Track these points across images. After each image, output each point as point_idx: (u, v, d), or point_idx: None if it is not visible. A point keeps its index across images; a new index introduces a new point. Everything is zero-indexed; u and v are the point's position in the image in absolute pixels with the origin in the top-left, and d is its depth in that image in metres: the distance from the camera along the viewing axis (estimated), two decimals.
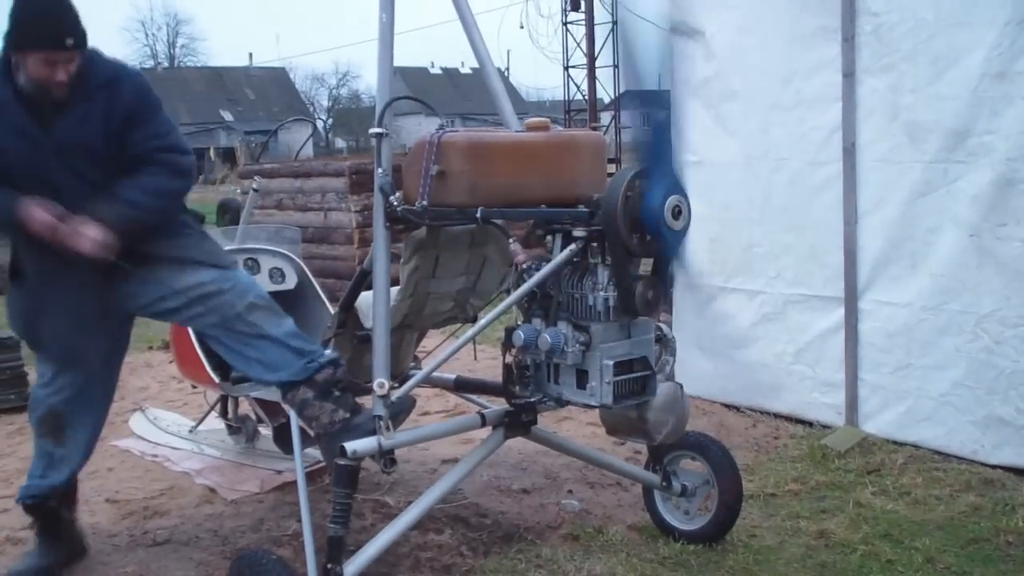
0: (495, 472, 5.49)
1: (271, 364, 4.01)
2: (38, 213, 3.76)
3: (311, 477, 4.60)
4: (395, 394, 3.85)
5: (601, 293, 3.57)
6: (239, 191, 19.64)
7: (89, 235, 3.76)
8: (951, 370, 5.48)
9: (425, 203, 3.72)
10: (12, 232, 3.97)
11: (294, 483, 5.12)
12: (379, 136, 3.90)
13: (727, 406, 6.70)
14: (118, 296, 4.13)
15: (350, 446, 3.66)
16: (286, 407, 4.22)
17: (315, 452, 4.90)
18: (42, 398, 4.26)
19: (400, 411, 3.89)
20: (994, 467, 5.29)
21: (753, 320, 6.50)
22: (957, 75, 5.30)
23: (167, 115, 4.15)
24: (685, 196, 3.44)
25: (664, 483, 4.58)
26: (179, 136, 4.19)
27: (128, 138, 3.96)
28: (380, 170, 3.90)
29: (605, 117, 24.45)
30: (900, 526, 4.68)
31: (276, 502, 5.26)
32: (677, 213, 3.36)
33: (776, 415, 6.42)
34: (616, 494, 5.24)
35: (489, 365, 6.67)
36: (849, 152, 5.82)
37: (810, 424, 6.19)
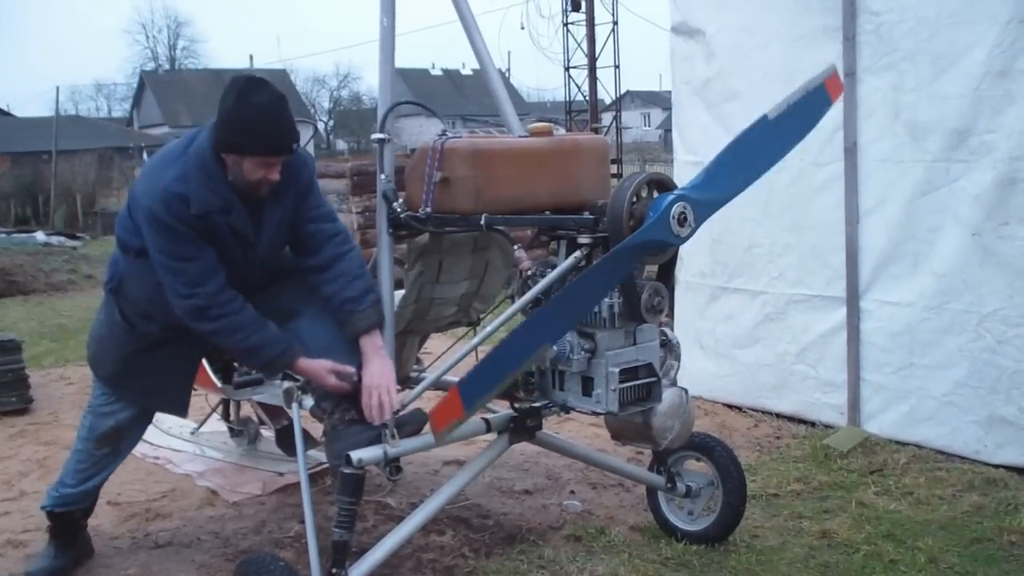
0: (497, 473, 5.49)
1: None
2: (331, 380, 3.82)
3: (312, 479, 4.59)
4: (401, 400, 3.85)
5: (606, 300, 3.56)
6: None
7: (389, 394, 3.80)
8: (953, 370, 5.48)
9: (429, 210, 3.72)
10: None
11: (295, 485, 5.15)
12: (381, 142, 3.90)
13: (729, 406, 6.71)
14: None
15: (355, 455, 3.66)
16: (291, 412, 4.21)
17: (317, 454, 4.91)
18: (106, 415, 4.29)
19: (409, 423, 3.87)
20: (997, 467, 5.29)
21: (755, 320, 6.50)
22: (958, 74, 5.30)
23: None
24: (696, 206, 3.40)
25: (669, 484, 4.57)
26: (327, 202, 4.22)
27: (300, 222, 4.01)
28: (383, 176, 3.89)
29: (606, 118, 24.45)
30: (903, 526, 4.69)
31: (278, 504, 5.26)
32: (683, 220, 3.34)
33: (778, 415, 6.43)
34: (618, 495, 5.25)
35: None
36: (850, 152, 5.82)
37: (812, 424, 6.20)
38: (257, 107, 3.62)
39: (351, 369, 3.81)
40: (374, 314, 3.86)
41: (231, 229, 3.81)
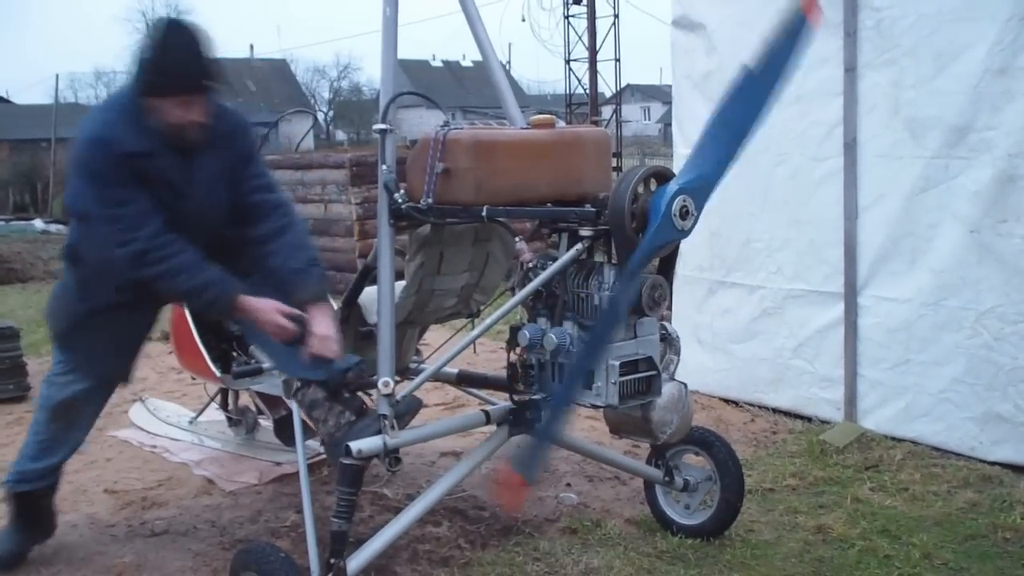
0: (493, 465, 5.49)
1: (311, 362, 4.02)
2: (278, 319, 3.81)
3: (310, 469, 4.59)
4: (400, 392, 3.85)
5: (607, 292, 3.57)
6: None
7: (331, 342, 3.83)
8: (950, 366, 5.48)
9: (430, 201, 3.72)
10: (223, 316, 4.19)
11: (292, 475, 5.17)
12: (383, 132, 3.89)
13: (726, 401, 6.72)
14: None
15: (355, 445, 3.67)
16: (290, 402, 4.22)
17: (315, 444, 4.91)
18: (61, 385, 4.25)
19: (406, 412, 3.88)
20: (992, 464, 5.30)
21: (752, 315, 6.51)
22: (959, 70, 5.30)
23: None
24: (694, 194, 3.40)
25: (666, 478, 4.58)
26: (269, 172, 4.23)
27: (241, 184, 4.01)
28: (384, 167, 3.89)
29: (606, 111, 24.42)
30: (898, 522, 4.70)
31: (274, 494, 5.26)
32: (684, 213, 3.34)
33: (775, 410, 6.44)
34: (614, 488, 5.25)
35: (488, 359, 6.68)
36: (850, 147, 5.82)
37: (809, 419, 6.21)
38: (171, 47, 3.63)
39: (296, 311, 3.82)
40: (318, 286, 3.88)
41: (161, 175, 3.78)
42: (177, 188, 3.84)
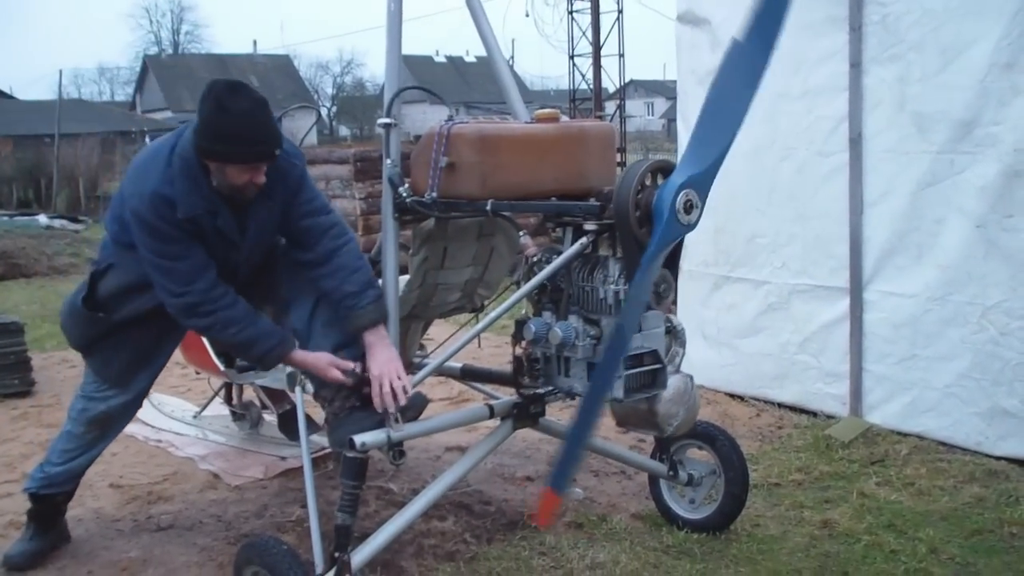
0: (499, 460, 5.50)
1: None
2: (335, 373, 3.81)
3: (315, 463, 4.60)
4: (407, 382, 3.84)
5: (612, 286, 3.56)
6: None
7: (398, 379, 3.78)
8: (956, 361, 5.47)
9: (434, 195, 3.71)
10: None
11: (297, 469, 5.17)
12: (387, 126, 3.88)
13: (731, 395, 6.71)
14: None
15: (359, 438, 3.65)
16: (294, 397, 4.21)
17: (319, 439, 4.91)
18: (100, 399, 4.29)
19: (411, 407, 3.87)
20: (998, 459, 5.29)
21: (758, 310, 6.50)
22: (965, 65, 5.29)
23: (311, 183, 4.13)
24: (697, 186, 3.39)
25: (671, 472, 4.58)
26: (321, 195, 4.17)
27: (290, 220, 3.98)
28: (389, 161, 3.88)
29: (610, 107, 24.41)
30: (904, 517, 4.69)
31: (280, 488, 5.26)
32: (689, 208, 3.33)
33: (780, 405, 6.43)
34: (620, 482, 5.25)
35: (493, 353, 6.68)
36: (856, 142, 5.80)
37: (814, 414, 6.20)
38: (237, 114, 3.55)
39: (351, 364, 3.80)
40: (376, 310, 3.83)
41: (216, 231, 3.80)
42: (230, 240, 3.86)
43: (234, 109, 3.55)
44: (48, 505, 4.49)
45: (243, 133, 3.59)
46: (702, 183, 3.37)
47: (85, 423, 4.32)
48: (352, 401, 3.89)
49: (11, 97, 51.39)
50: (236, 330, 3.82)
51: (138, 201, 3.73)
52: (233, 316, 3.81)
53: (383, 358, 3.78)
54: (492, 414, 4.15)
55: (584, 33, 22.68)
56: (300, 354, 3.88)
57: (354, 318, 3.82)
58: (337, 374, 3.80)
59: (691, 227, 3.37)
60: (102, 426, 4.34)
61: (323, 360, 3.83)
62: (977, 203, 5.30)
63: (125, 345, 4.20)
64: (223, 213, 3.78)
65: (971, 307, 5.39)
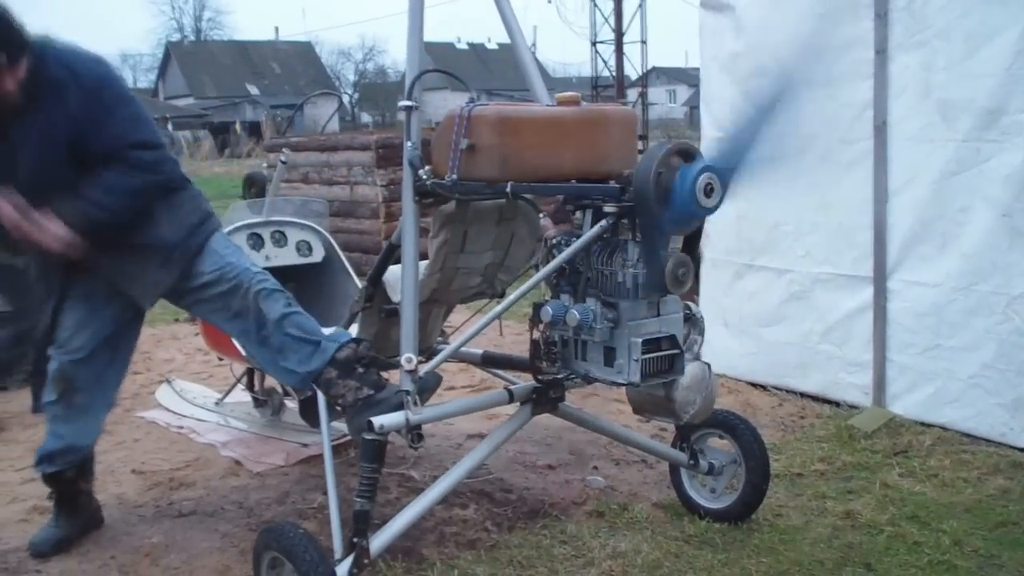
0: (520, 448, 5.49)
1: (299, 361, 4.03)
2: (2, 204, 3.76)
3: (336, 451, 4.60)
4: (422, 369, 3.83)
5: (631, 270, 3.53)
6: (265, 165, 19.62)
7: (53, 231, 3.78)
8: (981, 351, 5.43)
9: (455, 177, 3.69)
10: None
11: (319, 456, 5.16)
12: (409, 109, 3.86)
13: (753, 385, 6.68)
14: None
15: (377, 421, 3.64)
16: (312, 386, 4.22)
17: (341, 425, 4.91)
18: (54, 355, 4.24)
19: (426, 388, 3.87)
20: (1023, 450, 5.25)
21: (781, 298, 6.47)
22: (991, 52, 5.24)
23: (132, 107, 4.04)
24: (721, 174, 3.37)
25: (691, 461, 4.56)
26: (145, 130, 4.07)
27: (89, 141, 3.89)
28: (409, 143, 3.87)
29: (632, 94, 24.35)
30: (927, 508, 4.66)
31: (301, 475, 5.27)
32: (709, 191, 3.31)
33: (803, 394, 6.40)
34: (641, 471, 5.24)
35: (515, 340, 6.66)
36: (880, 130, 5.76)
37: (837, 404, 6.17)
38: None
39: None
40: (74, 213, 3.81)
41: None
42: (3, 155, 3.81)
43: None
44: (61, 484, 4.46)
45: None
46: (726, 173, 3.35)
47: (50, 382, 4.26)
48: (364, 392, 3.89)
49: None
50: None
51: None
52: None
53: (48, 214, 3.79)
54: (511, 399, 4.14)
55: (607, 20, 22.67)
56: None
57: (58, 205, 3.81)
58: (4, 204, 3.75)
59: (709, 210, 3.34)
60: (61, 387, 4.23)
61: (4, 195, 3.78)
62: (1002, 192, 5.25)
63: (66, 299, 4.18)
64: None
65: (996, 297, 5.34)
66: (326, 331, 4.16)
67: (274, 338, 4.03)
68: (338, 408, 4.03)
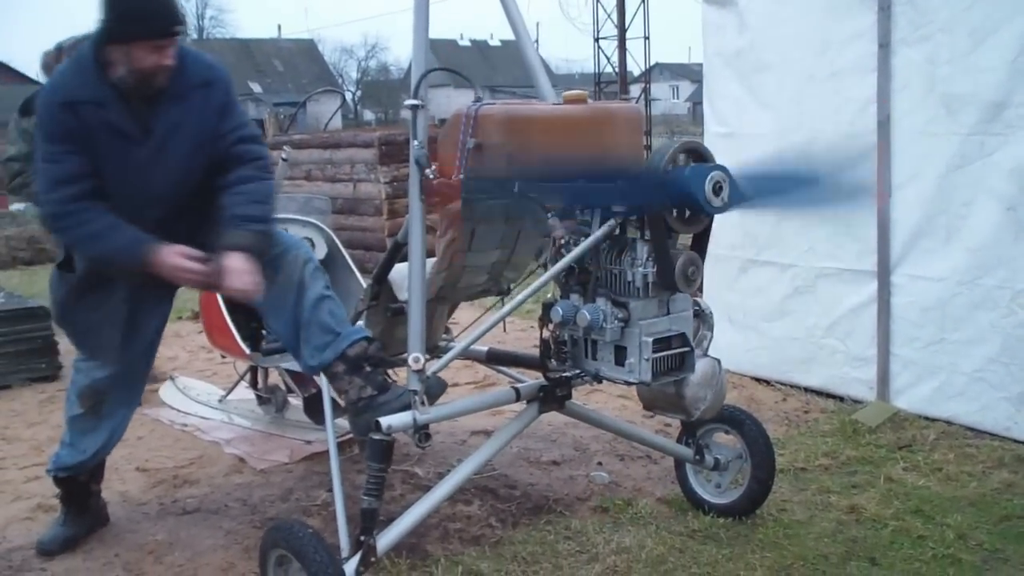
0: (524, 444, 5.49)
1: (316, 348, 3.99)
2: (182, 262, 3.68)
3: (340, 447, 4.60)
4: (430, 367, 3.82)
5: (640, 269, 3.52)
6: None
7: (247, 274, 3.68)
8: (985, 346, 5.42)
9: (461, 176, 3.69)
10: (136, 276, 3.85)
11: (323, 453, 5.18)
12: (415, 108, 3.86)
13: (757, 380, 6.68)
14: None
15: (385, 421, 3.64)
16: (319, 380, 4.21)
17: (345, 423, 4.92)
18: (84, 371, 4.21)
19: (431, 396, 3.85)
20: None
21: (785, 293, 6.46)
22: (995, 46, 5.22)
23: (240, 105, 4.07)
24: (732, 183, 3.36)
25: (697, 456, 4.56)
26: (251, 123, 4.11)
27: (221, 139, 3.89)
28: (416, 142, 3.86)
29: (635, 90, 24.30)
30: (931, 502, 4.66)
31: (305, 472, 5.28)
32: (718, 189, 3.30)
33: (807, 389, 6.40)
34: (645, 467, 5.24)
35: (518, 337, 6.67)
36: (884, 124, 5.75)
37: (841, 399, 6.16)
38: None
39: (204, 254, 3.69)
40: (250, 237, 3.73)
41: (107, 126, 3.69)
42: (130, 138, 3.75)
43: None
44: (72, 486, 4.47)
45: (146, 5, 3.60)
46: (737, 191, 3.35)
47: (76, 397, 4.23)
48: (368, 392, 3.89)
49: (36, 82, 51.61)
50: (93, 244, 3.74)
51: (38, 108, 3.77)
52: (93, 231, 3.70)
53: (237, 258, 3.68)
54: (518, 397, 4.13)
55: (609, 16, 22.55)
56: (156, 251, 3.69)
57: (227, 235, 3.72)
58: (185, 262, 3.67)
59: (710, 206, 3.33)
60: (91, 401, 4.20)
61: (172, 251, 3.69)
62: (1007, 185, 5.24)
63: (96, 312, 4.08)
64: (113, 106, 3.69)
65: (1000, 291, 5.33)
66: None
67: (305, 316, 3.96)
68: (341, 402, 4.03)
